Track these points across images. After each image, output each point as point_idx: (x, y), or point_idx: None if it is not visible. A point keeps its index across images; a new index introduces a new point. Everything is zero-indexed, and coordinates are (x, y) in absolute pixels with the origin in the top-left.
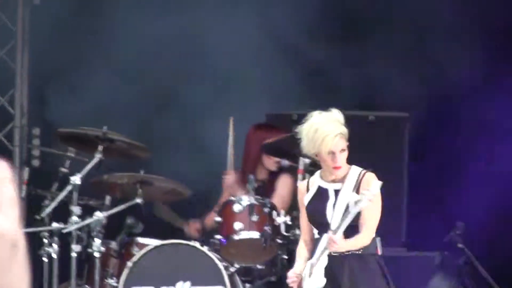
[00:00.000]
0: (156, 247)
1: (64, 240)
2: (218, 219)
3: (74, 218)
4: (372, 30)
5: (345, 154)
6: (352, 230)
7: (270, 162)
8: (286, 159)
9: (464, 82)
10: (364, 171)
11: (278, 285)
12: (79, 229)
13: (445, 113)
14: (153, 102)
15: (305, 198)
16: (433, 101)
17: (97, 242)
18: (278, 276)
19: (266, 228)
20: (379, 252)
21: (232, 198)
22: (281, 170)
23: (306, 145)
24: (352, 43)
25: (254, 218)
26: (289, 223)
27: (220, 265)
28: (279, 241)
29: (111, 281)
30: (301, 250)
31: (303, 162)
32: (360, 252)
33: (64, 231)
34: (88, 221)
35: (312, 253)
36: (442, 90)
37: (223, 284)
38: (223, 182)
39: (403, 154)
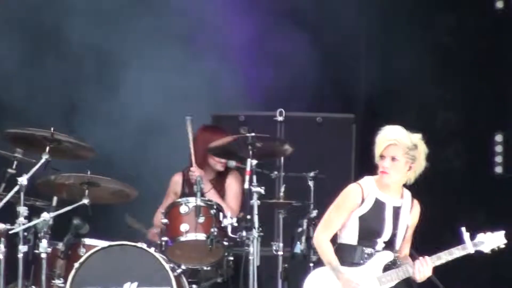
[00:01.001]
0: (103, 248)
1: (11, 241)
2: (165, 221)
3: (21, 219)
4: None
5: (399, 165)
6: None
7: (217, 163)
8: (233, 160)
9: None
10: (413, 198)
11: (224, 286)
12: (26, 230)
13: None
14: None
15: (361, 207)
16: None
17: (43, 243)
18: (224, 278)
19: (213, 230)
20: None
21: (179, 200)
22: (228, 170)
23: (375, 149)
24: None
25: (201, 220)
26: (235, 225)
27: (167, 266)
28: (225, 243)
29: (58, 282)
30: (331, 250)
31: (250, 163)
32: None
33: (11, 232)
34: (35, 222)
35: (346, 258)
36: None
37: (170, 285)
38: (170, 183)
39: (350, 154)
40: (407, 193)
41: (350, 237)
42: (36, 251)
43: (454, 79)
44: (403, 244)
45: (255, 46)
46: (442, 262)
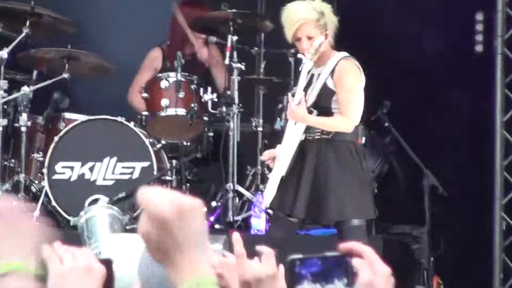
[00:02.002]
0: (82, 122)
1: None
2: (145, 95)
3: (1, 93)
4: None
5: (317, 40)
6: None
7: (197, 39)
8: (214, 36)
9: None
10: (344, 57)
11: (203, 162)
12: (6, 103)
13: None
14: None
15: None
16: None
17: (23, 116)
18: (204, 153)
19: (193, 105)
20: (361, 141)
21: (159, 74)
22: (208, 46)
23: (285, 32)
24: None
25: (181, 95)
26: (216, 100)
27: (147, 141)
28: (205, 118)
29: (37, 156)
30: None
31: (231, 39)
32: (330, 137)
33: None
34: (15, 95)
35: None
36: None
37: (150, 160)
38: (147, 58)
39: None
40: (335, 56)
41: None
42: (16, 125)
43: None
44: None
45: None
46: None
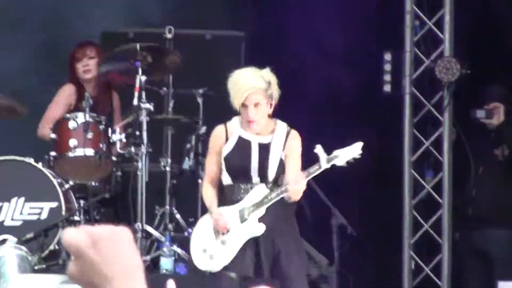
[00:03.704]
0: None
1: None
2: (53, 136)
3: None
4: None
5: (262, 109)
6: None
7: (81, 72)
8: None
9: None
10: (290, 128)
11: (111, 202)
12: None
13: (281, 34)
14: None
15: (224, 147)
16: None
17: None
18: (112, 193)
19: (101, 145)
20: None
21: (68, 115)
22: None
23: (231, 99)
24: None
25: (90, 135)
26: (124, 140)
27: (55, 181)
28: (114, 158)
29: None
30: (211, 194)
31: (139, 79)
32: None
33: None
34: None
35: (226, 199)
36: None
37: (58, 200)
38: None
39: None
40: (281, 126)
41: (226, 177)
42: None
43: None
44: (288, 176)
45: None
46: (309, 177)
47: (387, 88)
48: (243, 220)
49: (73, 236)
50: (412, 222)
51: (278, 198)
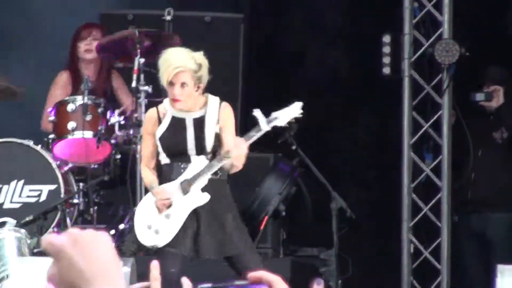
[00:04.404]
0: None
1: None
2: (52, 118)
3: None
4: None
5: (188, 90)
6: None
7: (83, 52)
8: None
9: None
10: (222, 101)
11: (110, 184)
12: None
13: (280, 17)
14: None
15: (158, 129)
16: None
17: None
18: (111, 176)
19: (100, 127)
20: None
21: (66, 98)
22: (111, 69)
23: (160, 76)
24: None
25: (88, 117)
26: (123, 123)
27: (54, 164)
28: (112, 141)
29: None
30: (149, 172)
31: (138, 61)
32: (219, 178)
33: None
34: None
35: (165, 177)
36: None
37: (57, 182)
38: (56, 82)
39: (238, 54)
40: (213, 100)
41: (163, 157)
42: None
43: None
44: (226, 145)
45: None
46: (250, 141)
47: (386, 70)
48: (185, 192)
49: (54, 237)
50: (411, 205)
51: (219, 165)
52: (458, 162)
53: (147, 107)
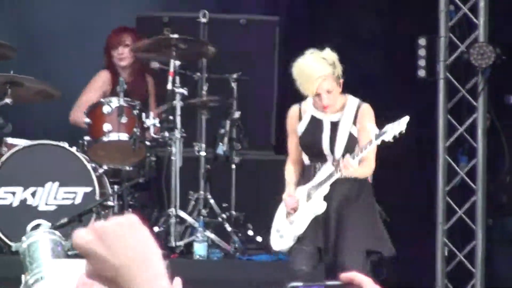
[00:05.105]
0: (25, 148)
1: None
2: (87, 120)
3: None
4: None
5: (334, 93)
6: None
7: (118, 59)
8: (156, 62)
9: None
10: (361, 102)
11: (146, 187)
12: None
13: (314, 19)
14: None
15: (298, 126)
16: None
17: None
18: (146, 178)
19: (135, 130)
20: (370, 181)
21: (102, 100)
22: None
23: (299, 86)
24: None
25: (123, 120)
26: (158, 125)
27: (89, 166)
28: (148, 143)
29: None
30: (291, 174)
31: (173, 64)
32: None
33: None
34: None
35: (306, 178)
36: None
37: (92, 185)
38: (96, 79)
39: (273, 57)
40: (352, 101)
41: (304, 157)
42: None
43: None
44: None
45: None
46: (361, 156)
47: (421, 73)
48: (308, 199)
49: (79, 236)
50: (446, 208)
51: (337, 176)
52: (493, 165)
53: (182, 109)
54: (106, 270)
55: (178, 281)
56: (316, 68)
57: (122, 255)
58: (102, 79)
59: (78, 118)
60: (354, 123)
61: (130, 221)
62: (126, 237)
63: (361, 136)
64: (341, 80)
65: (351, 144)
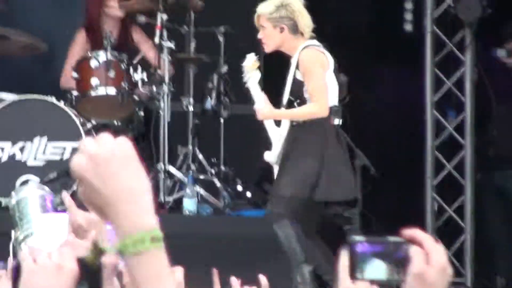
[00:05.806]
0: (12, 102)
1: None
2: (75, 75)
3: None
4: None
5: (266, 32)
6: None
7: (112, 9)
8: (143, 16)
9: None
10: (304, 48)
11: (134, 141)
12: None
13: None
14: None
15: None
16: None
17: None
18: (135, 133)
19: (123, 84)
20: (334, 121)
21: (89, 54)
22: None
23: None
24: None
25: (111, 74)
26: (146, 80)
27: (77, 120)
28: (136, 97)
29: None
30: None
31: (161, 17)
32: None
33: None
34: None
35: None
36: None
37: (80, 139)
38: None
39: None
40: (299, 47)
41: None
42: None
43: None
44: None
45: None
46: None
47: (408, 27)
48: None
49: (76, 162)
50: (435, 163)
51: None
52: (480, 119)
53: (170, 63)
54: (96, 198)
55: (179, 269)
56: (262, 5)
57: (111, 186)
58: (79, 43)
59: (67, 83)
60: (297, 67)
61: (124, 152)
62: (117, 168)
63: (305, 80)
64: (283, 25)
65: (295, 88)
